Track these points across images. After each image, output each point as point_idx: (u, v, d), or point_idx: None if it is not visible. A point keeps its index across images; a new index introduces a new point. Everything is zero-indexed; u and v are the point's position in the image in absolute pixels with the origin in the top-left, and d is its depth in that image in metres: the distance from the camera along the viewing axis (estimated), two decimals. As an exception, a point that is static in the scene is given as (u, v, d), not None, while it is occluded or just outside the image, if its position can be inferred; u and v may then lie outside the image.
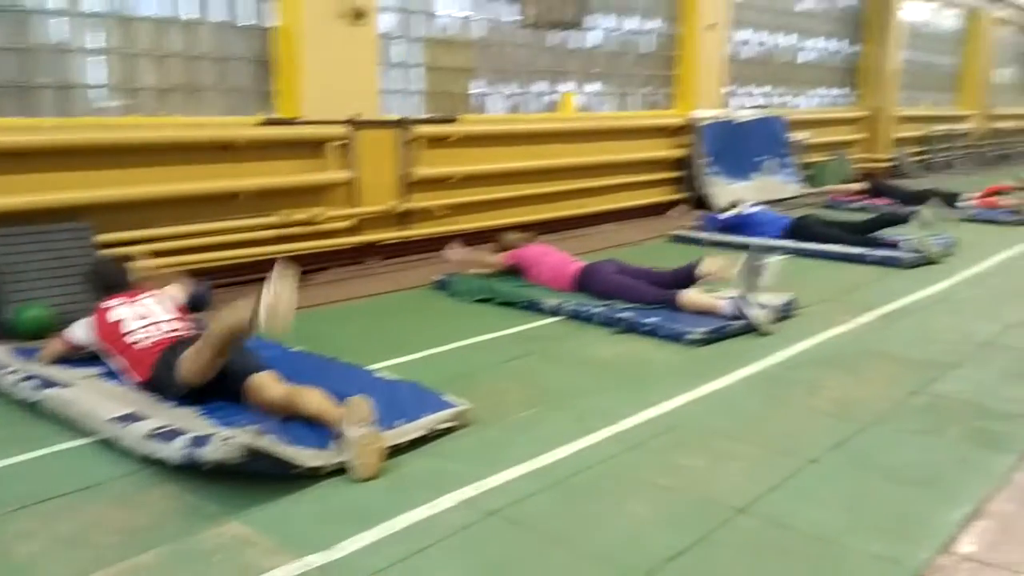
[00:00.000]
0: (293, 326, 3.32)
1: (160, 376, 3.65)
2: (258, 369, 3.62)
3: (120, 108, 6.10)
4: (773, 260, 5.24)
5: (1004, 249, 7.91)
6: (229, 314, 3.35)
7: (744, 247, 7.75)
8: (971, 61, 17.69)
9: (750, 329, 5.11)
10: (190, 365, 3.50)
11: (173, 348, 3.70)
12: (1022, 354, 4.73)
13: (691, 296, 5.32)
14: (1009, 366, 4.52)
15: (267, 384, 3.54)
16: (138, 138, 5.87)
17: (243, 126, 6.43)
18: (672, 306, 5.30)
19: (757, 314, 5.06)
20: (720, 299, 5.23)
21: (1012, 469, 3.25)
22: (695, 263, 5.57)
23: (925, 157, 15.84)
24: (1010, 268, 7.19)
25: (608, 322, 5.23)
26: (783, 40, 12.79)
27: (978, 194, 10.37)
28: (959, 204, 9.97)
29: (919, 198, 10.31)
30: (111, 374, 3.99)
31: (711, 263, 5.52)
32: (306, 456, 3.09)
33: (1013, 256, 7.67)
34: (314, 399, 3.39)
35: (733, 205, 8.80)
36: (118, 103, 6.10)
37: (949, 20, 17.19)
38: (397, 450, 3.36)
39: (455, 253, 6.47)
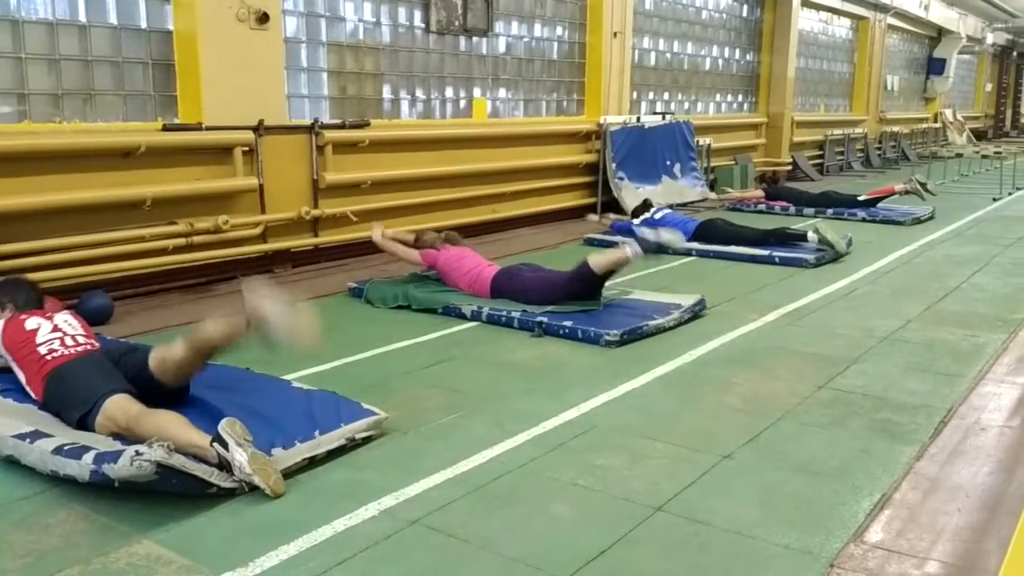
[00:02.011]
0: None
1: (55, 402, 3.49)
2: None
3: (12, 114, 5.82)
4: (663, 232, 5.40)
5: (898, 248, 8.28)
6: (191, 437, 3.12)
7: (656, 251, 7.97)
8: (863, 68, 18.47)
9: (664, 328, 5.21)
10: (108, 434, 3.27)
11: (66, 367, 3.53)
12: (920, 348, 4.95)
13: (596, 259, 5.45)
14: (908, 360, 4.72)
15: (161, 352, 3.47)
16: (32, 145, 5.62)
17: (144, 132, 6.22)
18: (587, 275, 5.42)
19: (663, 234, 5.22)
20: (621, 246, 5.41)
21: (914, 459, 3.40)
22: (583, 262, 5.54)
23: (822, 160, 16.50)
24: (906, 265, 7.52)
25: (526, 325, 5.25)
26: (685, 48, 13.10)
27: (869, 193, 10.81)
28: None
29: (814, 201, 10.73)
30: (9, 392, 3.78)
31: (596, 259, 5.50)
32: (221, 476, 2.99)
33: (907, 254, 8.03)
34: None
35: (646, 205, 8.94)
36: (10, 109, 5.82)
37: (842, 29, 17.92)
38: (314, 461, 3.30)
39: (377, 232, 6.44)
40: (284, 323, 3.22)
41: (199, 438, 3.07)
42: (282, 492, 3.04)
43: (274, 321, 3.22)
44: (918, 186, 10.62)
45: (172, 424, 3.15)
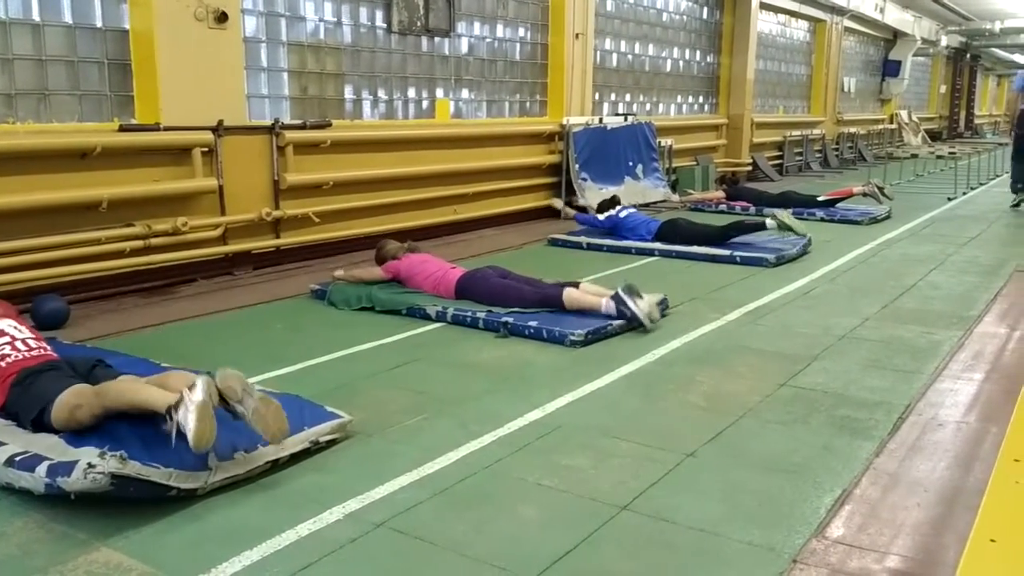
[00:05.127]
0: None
1: (17, 404, 3.40)
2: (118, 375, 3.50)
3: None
4: (648, 297, 5.27)
5: (856, 247, 8.40)
6: (151, 393, 3.14)
7: (618, 250, 8.03)
8: (820, 70, 18.74)
9: (628, 328, 5.23)
10: (67, 416, 3.21)
11: (34, 371, 3.46)
12: (878, 346, 5.03)
13: (574, 294, 5.40)
14: (866, 357, 4.79)
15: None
16: (-16, 145, 5.50)
17: (100, 132, 6.12)
18: (556, 304, 5.37)
19: (641, 306, 5.15)
20: (601, 296, 5.33)
21: (873, 455, 3.45)
22: (559, 292, 5.44)
23: (781, 161, 16.71)
24: (863, 264, 7.64)
25: (491, 326, 5.24)
26: (646, 50, 13.18)
27: (828, 194, 10.97)
28: None
29: (774, 201, 10.87)
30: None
31: (572, 297, 5.39)
32: (180, 478, 2.95)
33: (865, 253, 8.16)
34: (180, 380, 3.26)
35: (614, 201, 8.96)
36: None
37: (800, 31, 18.16)
38: (278, 465, 3.27)
39: (338, 272, 6.34)
40: (251, 415, 3.14)
41: (160, 397, 3.07)
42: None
43: (244, 400, 3.13)
44: (876, 190, 10.82)
45: (128, 390, 3.17)
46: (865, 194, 10.82)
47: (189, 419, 2.91)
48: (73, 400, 3.22)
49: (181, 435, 2.93)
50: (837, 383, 4.34)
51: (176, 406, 2.97)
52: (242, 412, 3.11)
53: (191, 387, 2.99)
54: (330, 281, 6.22)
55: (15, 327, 3.79)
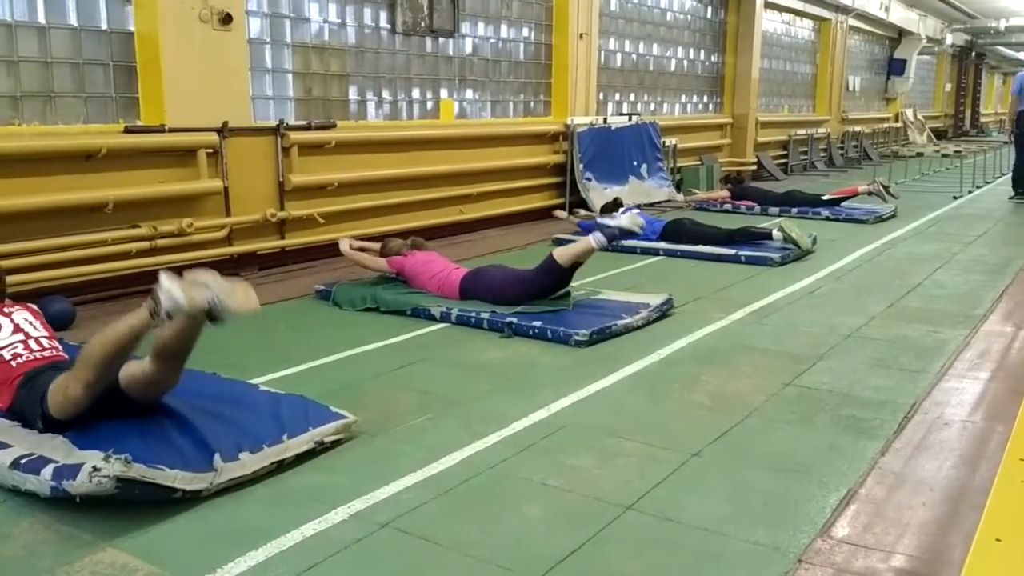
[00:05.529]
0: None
1: (23, 405, 3.40)
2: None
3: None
4: (622, 218, 5.48)
5: (861, 246, 8.39)
6: (120, 323, 3.10)
7: (623, 249, 8.03)
8: (825, 69, 18.70)
9: (632, 328, 5.24)
10: (62, 398, 3.20)
11: (39, 372, 3.46)
12: (884, 345, 5.01)
13: (562, 250, 5.51)
14: (872, 356, 4.78)
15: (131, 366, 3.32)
16: (-10, 148, 5.51)
17: (105, 134, 6.13)
18: (554, 268, 5.45)
19: (622, 219, 5.32)
20: (586, 237, 5.49)
21: (879, 454, 3.44)
22: (549, 256, 5.57)
23: (786, 160, 16.69)
24: (869, 263, 7.62)
25: (496, 326, 5.25)
26: (651, 50, 13.17)
27: (833, 193, 10.95)
28: None
29: (779, 200, 10.85)
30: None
31: (561, 251, 5.53)
32: (185, 479, 2.96)
33: (870, 252, 8.14)
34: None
35: (617, 204, 8.97)
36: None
37: (804, 31, 18.13)
38: (282, 466, 3.28)
39: (344, 244, 6.40)
40: (220, 289, 2.99)
41: (130, 317, 3.03)
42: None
43: (211, 287, 2.97)
44: (881, 188, 10.79)
45: (99, 339, 3.09)
46: (870, 193, 10.79)
47: (174, 291, 2.86)
48: (62, 382, 3.20)
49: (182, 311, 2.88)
50: (842, 382, 4.33)
51: (155, 301, 2.91)
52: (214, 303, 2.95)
53: (156, 282, 2.93)
54: (335, 281, 6.24)
55: (31, 323, 3.78)
